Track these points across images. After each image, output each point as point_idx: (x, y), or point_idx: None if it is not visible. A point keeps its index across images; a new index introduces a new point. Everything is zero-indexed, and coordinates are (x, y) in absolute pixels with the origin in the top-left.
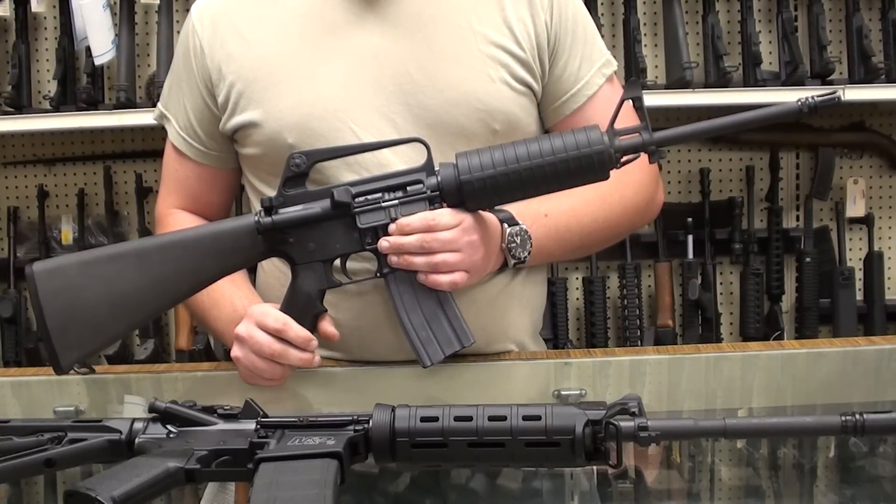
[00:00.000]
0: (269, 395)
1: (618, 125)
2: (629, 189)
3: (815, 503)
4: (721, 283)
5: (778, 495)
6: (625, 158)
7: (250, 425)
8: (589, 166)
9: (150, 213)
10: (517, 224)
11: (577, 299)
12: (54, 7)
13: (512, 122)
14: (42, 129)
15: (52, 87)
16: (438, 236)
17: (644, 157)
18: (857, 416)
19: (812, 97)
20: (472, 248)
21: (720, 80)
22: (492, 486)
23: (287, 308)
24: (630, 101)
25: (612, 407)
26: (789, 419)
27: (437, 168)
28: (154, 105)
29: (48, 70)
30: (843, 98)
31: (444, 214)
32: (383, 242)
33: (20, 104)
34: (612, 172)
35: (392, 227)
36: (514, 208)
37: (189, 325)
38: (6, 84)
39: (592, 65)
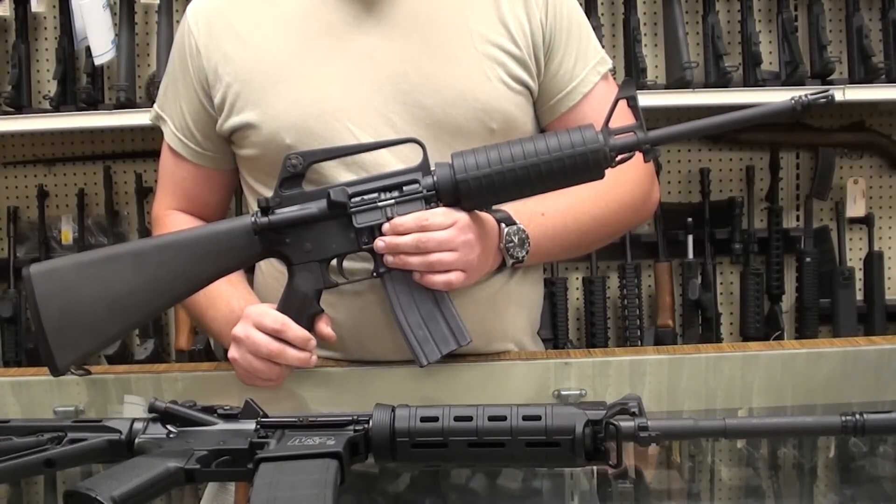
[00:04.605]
0: (267, 395)
1: (614, 124)
2: (625, 187)
3: (815, 503)
4: (721, 283)
5: (778, 495)
6: (620, 157)
7: (250, 425)
8: (584, 165)
9: (150, 214)
10: (514, 224)
11: (577, 299)
12: (54, 7)
13: (509, 121)
14: (42, 129)
15: (52, 87)
16: (433, 236)
17: (639, 155)
18: (857, 416)
19: (805, 95)
20: (468, 247)
21: (720, 80)
22: (492, 486)
23: (283, 308)
24: (625, 101)
25: (612, 407)
26: (789, 419)
27: (433, 168)
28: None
29: (48, 70)
30: (843, 98)
31: (438, 214)
32: (379, 242)
33: (20, 104)
34: (608, 171)
35: (386, 226)
36: (510, 208)
37: (189, 326)
38: (6, 84)
39: (587, 63)
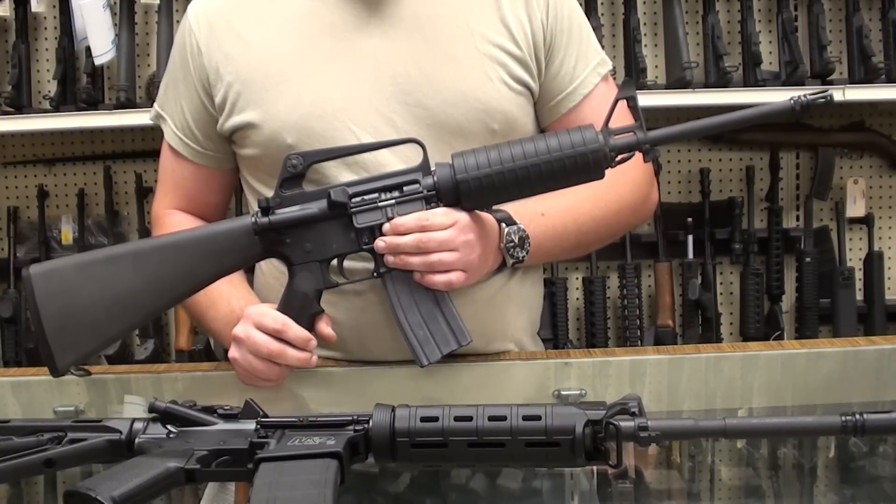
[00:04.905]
0: (267, 395)
1: (614, 125)
2: (624, 188)
3: (815, 503)
4: (721, 283)
5: (778, 495)
6: (620, 157)
7: (250, 425)
8: (584, 165)
9: (150, 213)
10: (515, 224)
11: (577, 299)
12: (54, 7)
13: (510, 122)
14: (42, 129)
15: (52, 87)
16: (434, 236)
17: (639, 156)
18: (857, 416)
19: (804, 96)
20: (469, 247)
21: (720, 80)
22: (492, 486)
23: (284, 309)
24: (625, 102)
25: (612, 407)
26: (789, 419)
27: (433, 168)
28: None
29: (48, 70)
30: (843, 98)
31: (439, 214)
32: (379, 242)
33: (20, 104)
34: (608, 171)
35: (386, 226)
36: (510, 208)
37: (189, 326)
38: (6, 84)
39: (588, 64)
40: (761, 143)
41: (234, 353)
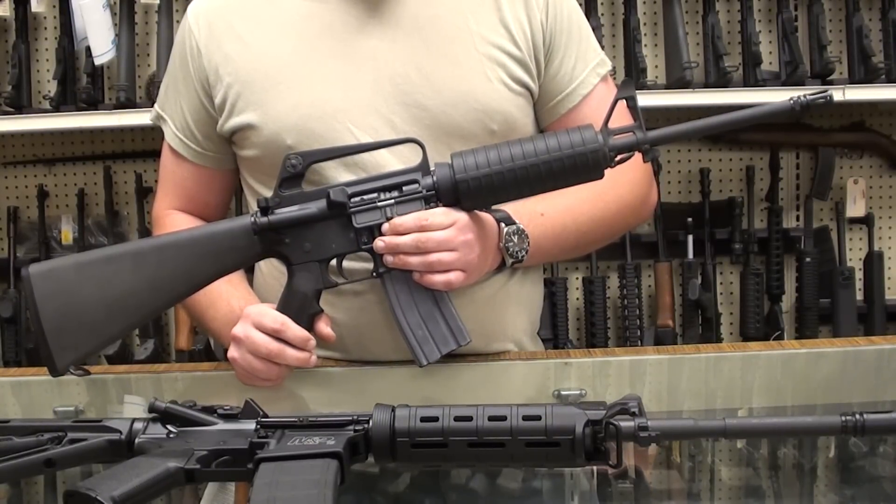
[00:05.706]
0: (267, 395)
1: (613, 125)
2: (624, 188)
3: (815, 503)
4: (721, 283)
5: (778, 495)
6: (619, 157)
7: (250, 425)
8: (584, 165)
9: (150, 214)
10: (514, 223)
11: (577, 299)
12: (54, 7)
13: (509, 122)
14: (42, 129)
15: (52, 87)
16: (433, 236)
17: (638, 156)
18: (857, 416)
19: (804, 96)
20: (468, 246)
21: (720, 80)
22: (492, 486)
23: (283, 308)
24: (624, 102)
25: (612, 407)
26: (789, 419)
27: (432, 168)
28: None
29: (48, 70)
30: (842, 98)
31: (438, 214)
32: (378, 242)
33: (20, 104)
34: (607, 172)
35: (385, 226)
36: (510, 208)
37: (189, 325)
38: (6, 84)
39: (587, 64)
40: (761, 143)
41: (233, 352)
